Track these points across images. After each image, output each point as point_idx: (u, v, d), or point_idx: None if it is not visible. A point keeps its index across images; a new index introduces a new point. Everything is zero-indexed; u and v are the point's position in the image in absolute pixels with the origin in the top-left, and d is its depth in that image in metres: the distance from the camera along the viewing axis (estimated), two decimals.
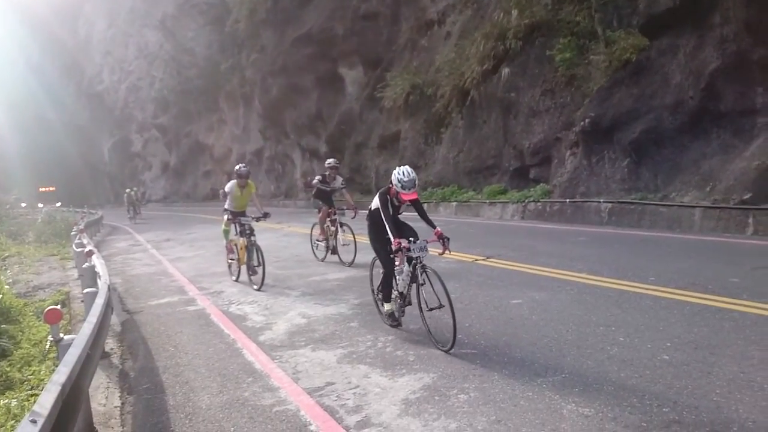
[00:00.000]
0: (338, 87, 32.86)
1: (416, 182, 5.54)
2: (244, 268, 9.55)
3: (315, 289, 8.57)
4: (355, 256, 10.24)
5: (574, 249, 10.64)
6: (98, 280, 7.47)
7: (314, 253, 11.52)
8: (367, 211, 6.30)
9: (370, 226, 6.14)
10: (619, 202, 14.07)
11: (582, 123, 15.58)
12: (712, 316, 5.68)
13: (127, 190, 34.39)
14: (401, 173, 5.49)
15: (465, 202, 20.27)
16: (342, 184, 11.41)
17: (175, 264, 12.73)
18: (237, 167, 9.68)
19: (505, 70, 19.33)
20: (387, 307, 6.07)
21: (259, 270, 8.92)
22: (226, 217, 9.78)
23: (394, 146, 27.90)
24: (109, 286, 6.67)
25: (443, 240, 5.57)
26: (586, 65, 16.56)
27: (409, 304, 5.84)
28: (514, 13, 19.09)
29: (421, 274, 5.45)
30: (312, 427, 3.95)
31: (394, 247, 5.41)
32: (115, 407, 4.77)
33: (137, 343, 6.61)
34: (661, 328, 5.38)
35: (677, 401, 3.85)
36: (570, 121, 16.72)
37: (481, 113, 20.92)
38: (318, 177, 11.29)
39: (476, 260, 9.73)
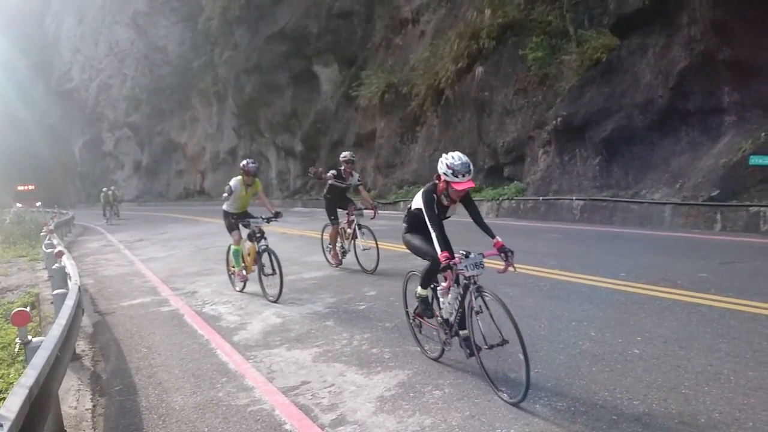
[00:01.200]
0: (313, 85, 32.74)
1: (471, 167, 4.40)
2: (251, 276, 8.46)
3: (290, 288, 8.50)
4: (377, 262, 9.14)
5: (548, 246, 10.77)
6: (69, 281, 7.34)
7: (326, 258, 10.29)
8: (404, 213, 5.38)
9: (410, 228, 5.04)
10: (591, 199, 14.31)
11: (554, 122, 15.79)
12: (681, 310, 5.80)
13: (104, 189, 32.14)
14: (451, 156, 4.42)
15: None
16: (358, 180, 9.92)
17: (147, 264, 12.56)
18: (244, 162, 8.43)
19: (479, 70, 19.48)
20: (420, 291, 4.92)
21: (276, 279, 7.71)
22: (232, 229, 8.46)
23: (370, 144, 27.93)
24: (79, 287, 6.56)
25: (506, 254, 4.38)
26: (558, 64, 16.79)
27: (457, 335, 4.55)
28: (487, 12, 19.28)
29: (476, 298, 4.20)
30: (287, 426, 3.94)
31: (441, 263, 4.25)
32: (87, 410, 4.69)
33: (109, 344, 6.51)
34: (632, 323, 5.49)
35: (647, 394, 3.93)
36: (542, 119, 16.95)
37: (456, 112, 21.07)
38: (332, 172, 9.71)
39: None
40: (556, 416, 3.72)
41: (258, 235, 8.02)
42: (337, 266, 9.96)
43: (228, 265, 8.99)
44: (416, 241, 4.93)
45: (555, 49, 17.20)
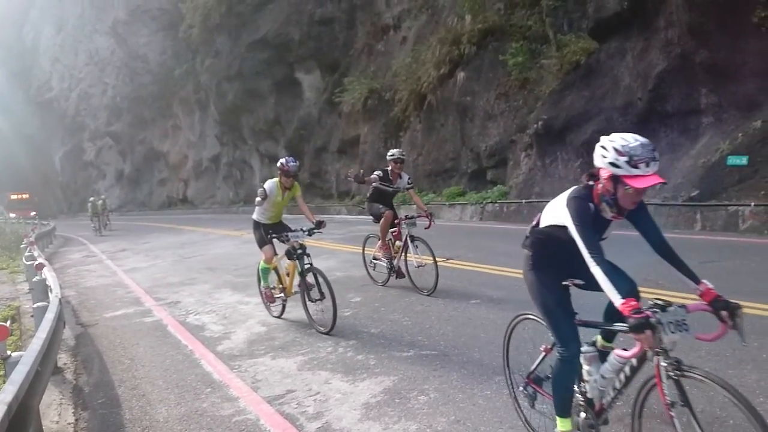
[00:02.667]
0: (296, 92, 32.73)
1: (656, 153, 2.65)
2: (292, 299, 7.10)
3: None
4: (437, 281, 7.50)
5: None
6: (49, 294, 7.25)
7: (369, 274, 8.76)
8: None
9: (536, 258, 3.27)
10: None
11: (535, 125, 15.94)
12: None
13: (92, 199, 30.43)
14: (621, 138, 2.64)
15: (425, 204, 20.40)
16: (409, 183, 8.34)
17: (130, 274, 12.44)
18: (283, 161, 6.93)
19: (461, 75, 19.61)
20: (561, 426, 3.19)
21: (326, 305, 6.26)
22: (263, 243, 7.05)
23: (353, 150, 27.96)
24: (60, 299, 6.48)
25: (728, 310, 2.64)
26: (539, 69, 16.94)
27: (606, 423, 3.20)
28: (468, 18, 19.43)
29: (670, 380, 2.52)
30: None
31: (623, 311, 2.47)
32: (69, 424, 4.63)
33: (92, 356, 6.44)
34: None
35: (629, 395, 3.96)
36: (524, 123, 17.09)
37: (439, 117, 21.17)
38: (377, 173, 8.21)
39: (437, 262, 9.82)
40: (540, 419, 3.71)
41: (299, 251, 6.51)
42: (385, 283, 8.37)
43: (259, 287, 7.52)
44: (549, 302, 3.20)
45: (535, 53, 17.36)
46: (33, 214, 43.78)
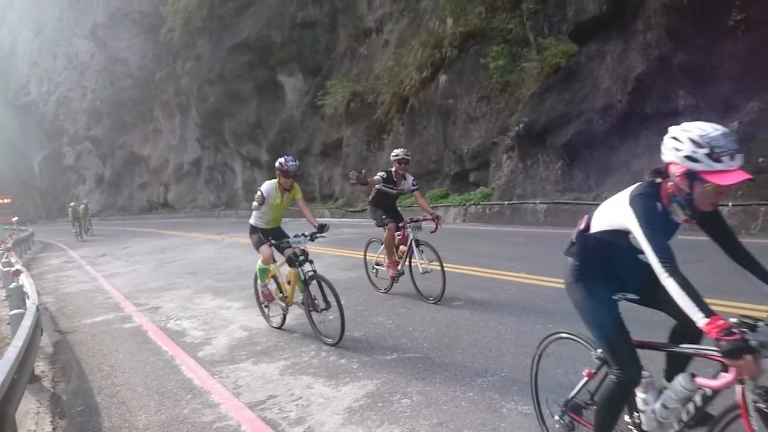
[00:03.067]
0: (278, 95, 32.63)
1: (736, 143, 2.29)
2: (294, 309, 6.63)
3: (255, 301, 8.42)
4: (443, 289, 6.99)
5: (513, 250, 10.90)
6: (26, 301, 7.12)
7: (371, 281, 8.26)
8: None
9: (584, 267, 2.91)
10: (554, 202, 14.55)
11: (517, 128, 16.04)
12: (644, 310, 5.83)
13: (72, 204, 29.73)
14: (698, 128, 2.31)
15: (409, 206, 20.43)
16: (414, 185, 7.90)
17: (110, 280, 12.28)
18: (282, 160, 6.40)
19: (443, 78, 19.68)
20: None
21: (333, 315, 5.85)
22: (259, 243, 6.64)
23: (336, 153, 27.94)
24: (37, 306, 6.38)
25: None
26: (519, 72, 17.06)
27: None
28: (449, 21, 19.51)
29: (763, 419, 2.07)
30: None
31: (709, 333, 2.10)
32: None
33: (70, 364, 6.33)
34: None
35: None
36: (505, 126, 17.20)
37: (421, 119, 21.23)
38: (380, 174, 7.74)
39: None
40: (523, 420, 3.74)
41: (301, 258, 6.05)
42: (387, 290, 7.93)
43: (257, 292, 6.99)
44: (602, 320, 2.76)
45: (516, 56, 17.48)
46: (15, 219, 42.97)
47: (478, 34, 18.92)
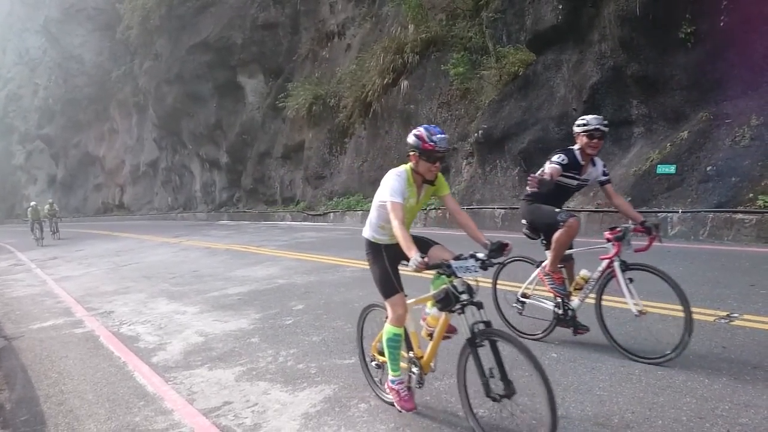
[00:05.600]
0: (238, 96, 32.28)
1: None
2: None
3: (214, 305, 8.30)
4: (686, 339, 4.41)
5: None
6: None
7: (505, 320, 5.75)
8: None
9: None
10: (510, 208, 14.80)
11: (476, 134, 16.28)
12: (594, 314, 6.02)
13: (32, 204, 26.86)
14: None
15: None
16: (605, 173, 5.26)
17: (61, 284, 11.90)
18: (421, 132, 3.82)
19: (404, 83, 19.81)
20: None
21: (524, 400, 3.64)
22: (386, 282, 4.04)
23: (298, 156, 27.79)
24: None
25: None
26: (479, 79, 17.30)
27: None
28: (411, 27, 19.66)
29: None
30: None
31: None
32: None
33: (15, 371, 6.09)
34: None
35: (564, 397, 4.06)
36: (465, 132, 17.42)
37: (383, 124, 21.32)
38: (559, 157, 4.98)
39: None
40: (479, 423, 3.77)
41: (466, 297, 3.49)
42: (548, 333, 5.35)
43: (361, 347, 4.60)
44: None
45: (475, 64, 17.71)
46: None
47: (439, 41, 19.13)
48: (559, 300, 5.15)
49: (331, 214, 23.05)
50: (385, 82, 20.55)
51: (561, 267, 5.25)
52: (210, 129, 33.91)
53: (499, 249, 3.63)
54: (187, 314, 7.93)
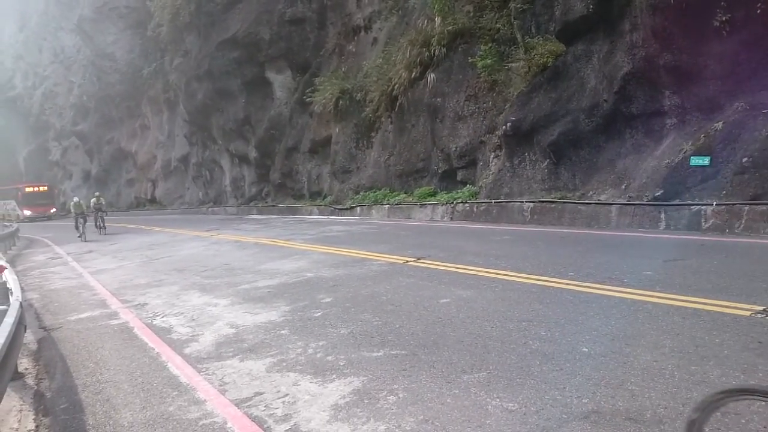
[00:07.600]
0: (266, 91, 32.51)
1: None
2: None
3: (244, 298, 8.41)
4: None
5: (500, 247, 10.95)
6: (10, 297, 7.06)
7: None
8: None
9: None
10: (540, 201, 14.63)
11: (504, 127, 16.10)
12: (628, 308, 5.97)
13: (75, 199, 26.21)
14: None
15: (397, 204, 20.50)
16: None
17: (96, 276, 12.20)
18: None
19: (431, 76, 19.69)
20: None
21: None
22: None
23: (325, 150, 27.90)
24: (21, 303, 6.32)
25: None
26: (507, 71, 17.11)
27: None
28: (438, 20, 19.50)
29: None
30: None
31: None
32: (29, 430, 4.51)
33: (55, 361, 6.29)
34: (581, 322, 5.61)
35: (596, 392, 4.03)
36: (493, 125, 17.27)
37: (410, 118, 21.25)
38: None
39: (407, 262, 9.82)
40: (508, 417, 3.77)
41: None
42: None
43: None
44: None
45: (503, 56, 17.52)
46: (53, 210, 36.68)
47: (466, 33, 18.96)
48: None
49: (358, 208, 23.11)
50: (411, 75, 20.46)
51: None
52: (239, 124, 34.26)
53: None
54: (218, 306, 8.06)
